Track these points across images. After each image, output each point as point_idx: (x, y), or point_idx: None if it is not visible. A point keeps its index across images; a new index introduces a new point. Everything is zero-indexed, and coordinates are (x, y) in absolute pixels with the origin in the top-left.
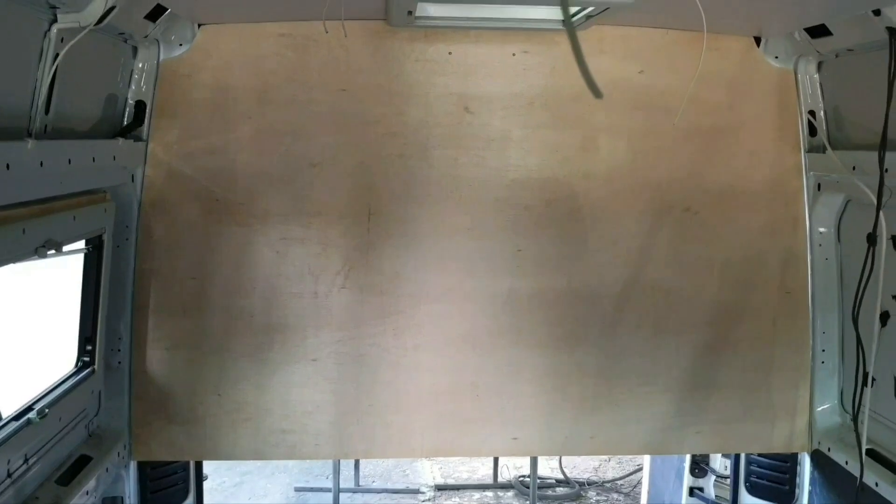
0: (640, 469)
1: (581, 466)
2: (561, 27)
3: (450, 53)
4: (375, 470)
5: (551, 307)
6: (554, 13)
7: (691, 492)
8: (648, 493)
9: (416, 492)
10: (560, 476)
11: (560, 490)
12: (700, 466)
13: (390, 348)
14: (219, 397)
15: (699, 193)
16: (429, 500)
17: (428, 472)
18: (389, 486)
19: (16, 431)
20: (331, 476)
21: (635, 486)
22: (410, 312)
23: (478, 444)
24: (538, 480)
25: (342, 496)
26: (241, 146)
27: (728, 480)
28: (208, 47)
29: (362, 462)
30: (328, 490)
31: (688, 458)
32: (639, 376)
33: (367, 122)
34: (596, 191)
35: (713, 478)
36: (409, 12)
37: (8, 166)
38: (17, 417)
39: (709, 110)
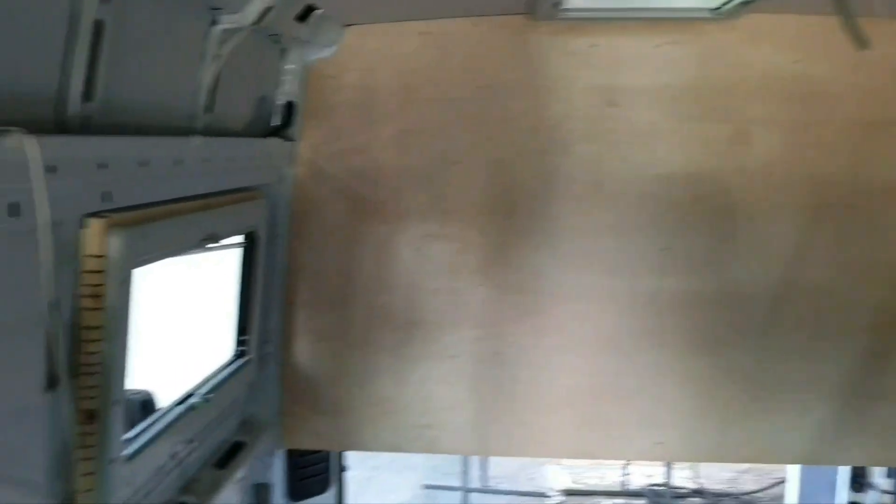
0: (781, 482)
1: (716, 477)
2: (711, 16)
3: (593, 46)
4: (503, 471)
5: (698, 308)
6: (704, 1)
7: None
8: None
9: (544, 495)
10: (694, 486)
11: (694, 501)
12: (859, 480)
13: (529, 347)
14: (361, 390)
15: (863, 190)
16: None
17: (556, 476)
18: (517, 488)
19: (181, 415)
20: (459, 475)
21: (775, 500)
22: (550, 311)
23: (619, 448)
24: (671, 490)
25: (469, 496)
26: (384, 145)
27: (893, 497)
28: (353, 48)
29: (490, 463)
30: (456, 489)
31: (844, 471)
32: (794, 383)
33: (507, 119)
34: (748, 186)
35: (875, 494)
36: (555, 4)
37: (178, 161)
38: (182, 402)
39: (872, 101)
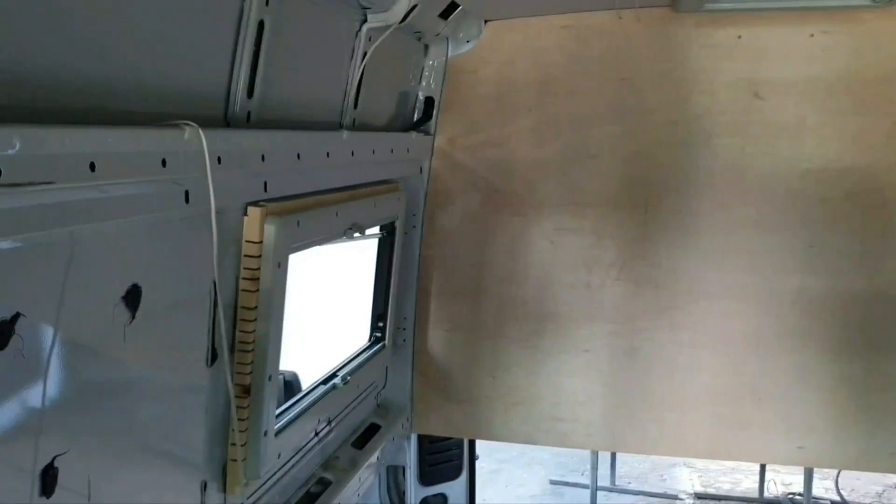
0: None
1: (861, 490)
2: (869, 3)
3: (739, 37)
4: (632, 471)
5: (848, 309)
6: None
7: None
8: None
9: (675, 498)
10: (836, 498)
11: None
12: None
13: (665, 344)
14: (493, 380)
15: None
16: None
17: (686, 479)
18: (646, 489)
19: (324, 395)
20: (586, 472)
21: None
22: (688, 308)
23: (758, 450)
24: (811, 500)
25: (598, 494)
26: (521, 138)
27: None
28: (493, 43)
29: (618, 462)
30: (584, 486)
31: None
32: None
33: (647, 111)
34: None
35: None
36: None
37: (328, 154)
38: (325, 382)
39: None
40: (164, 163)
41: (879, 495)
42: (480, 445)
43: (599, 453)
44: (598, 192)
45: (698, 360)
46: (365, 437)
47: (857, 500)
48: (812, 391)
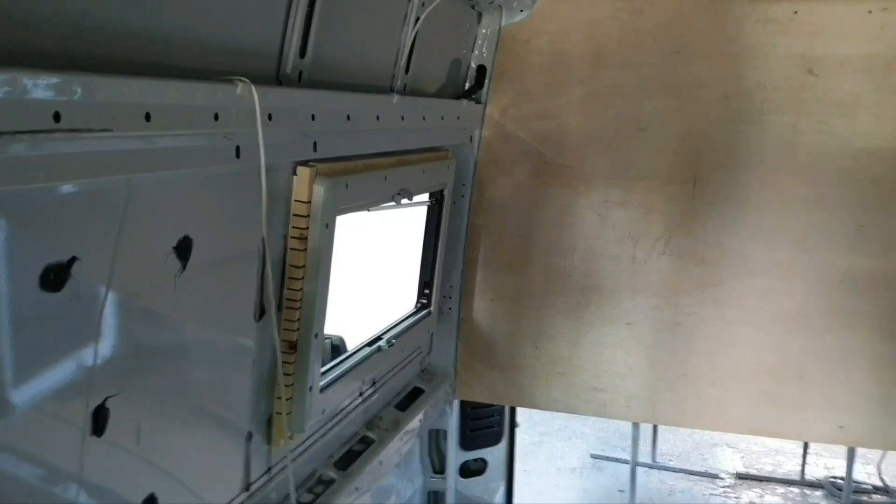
0: None
1: None
2: None
3: (795, 13)
4: (673, 449)
5: (895, 290)
6: None
7: None
8: None
9: (716, 477)
10: (878, 483)
11: (877, 497)
12: None
13: (709, 319)
14: (536, 349)
15: None
16: (728, 486)
17: (728, 459)
18: (687, 467)
19: (368, 356)
20: (627, 448)
21: None
22: (732, 284)
23: (799, 428)
24: (854, 484)
25: (639, 470)
26: (572, 110)
27: None
28: (546, 13)
29: (660, 439)
30: (625, 461)
31: None
32: None
33: (698, 86)
34: None
35: None
36: None
37: (378, 117)
38: (370, 344)
39: None
40: (216, 117)
41: None
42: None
43: (641, 430)
44: (647, 166)
45: (741, 337)
46: (408, 400)
47: None
48: (855, 371)
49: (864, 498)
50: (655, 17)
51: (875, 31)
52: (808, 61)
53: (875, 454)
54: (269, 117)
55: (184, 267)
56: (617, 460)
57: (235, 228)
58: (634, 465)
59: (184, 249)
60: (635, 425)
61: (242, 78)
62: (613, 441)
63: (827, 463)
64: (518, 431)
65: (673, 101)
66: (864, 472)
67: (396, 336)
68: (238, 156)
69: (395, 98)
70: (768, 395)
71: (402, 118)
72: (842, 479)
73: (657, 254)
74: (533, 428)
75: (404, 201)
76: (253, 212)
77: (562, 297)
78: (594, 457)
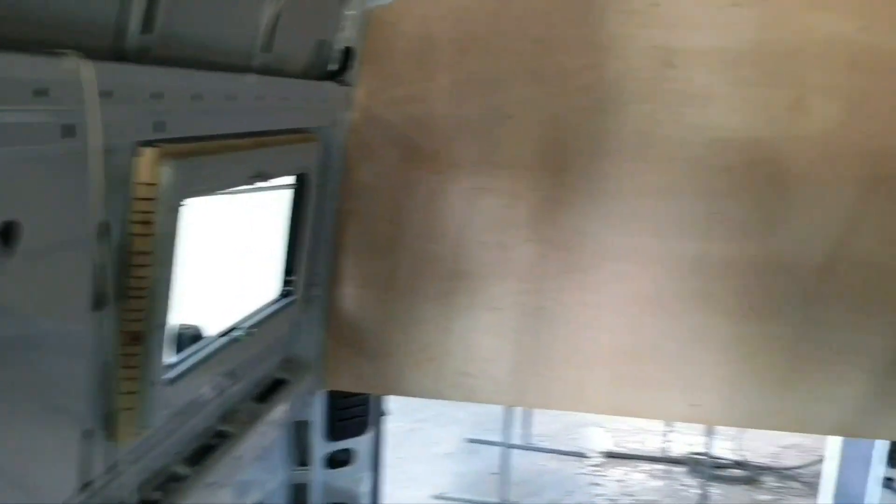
0: (822, 460)
1: (758, 451)
2: None
3: (654, 5)
4: (545, 430)
5: (743, 275)
6: None
7: (886, 483)
8: (835, 482)
9: (584, 456)
10: (736, 458)
11: (735, 472)
12: None
13: (571, 304)
14: (405, 336)
15: None
16: (596, 465)
17: (597, 438)
18: (558, 447)
19: (223, 347)
20: (501, 431)
21: (816, 477)
22: (595, 270)
23: (655, 407)
24: (713, 459)
25: (512, 452)
26: (440, 95)
27: None
28: None
29: (534, 421)
30: (498, 444)
31: (881, 446)
32: (837, 354)
33: (562, 74)
34: (804, 155)
35: None
36: None
37: (234, 97)
38: (226, 333)
39: None
40: (40, 92)
41: (775, 456)
42: (399, 406)
43: (515, 412)
44: (514, 153)
45: (601, 320)
46: (269, 391)
47: (753, 461)
48: (707, 352)
49: (724, 472)
50: (522, 4)
51: (727, 25)
52: (667, 53)
53: (734, 431)
54: (108, 94)
55: (9, 253)
56: (491, 443)
57: (72, 212)
58: (507, 447)
59: (8, 234)
60: (508, 408)
61: (71, 51)
62: (489, 425)
63: (689, 440)
64: (393, 418)
65: (538, 90)
66: (723, 448)
67: (256, 325)
68: (69, 135)
69: (253, 77)
70: (626, 376)
71: (261, 98)
72: (703, 454)
73: (523, 240)
74: (409, 415)
75: (262, 184)
76: (90, 195)
77: (431, 282)
78: (469, 441)
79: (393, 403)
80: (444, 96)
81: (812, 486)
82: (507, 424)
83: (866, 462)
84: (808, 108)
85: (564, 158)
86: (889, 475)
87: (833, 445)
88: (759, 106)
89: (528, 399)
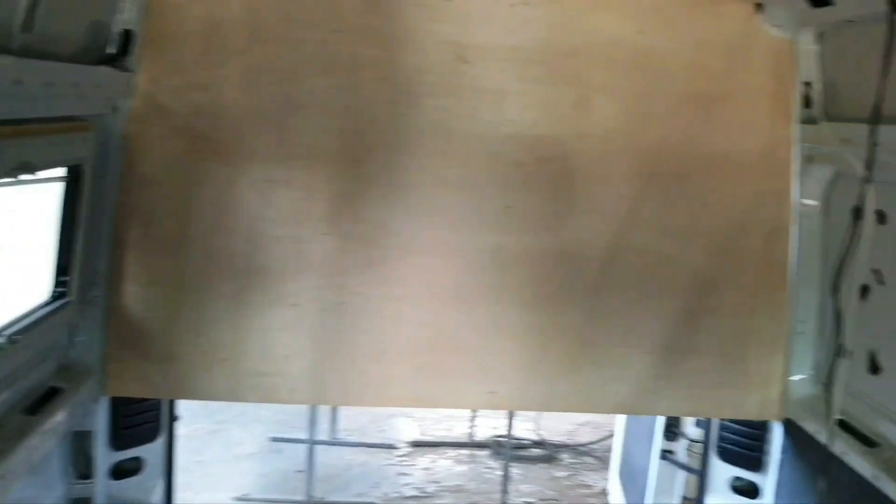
0: (612, 435)
1: (556, 430)
2: None
3: (447, 0)
4: (352, 424)
5: (537, 266)
6: None
7: (663, 455)
8: (621, 456)
9: (392, 447)
10: (536, 438)
11: (535, 451)
12: (672, 430)
13: (372, 298)
14: (196, 337)
15: (690, 160)
16: (404, 455)
17: (404, 428)
18: (366, 440)
19: None
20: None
21: (608, 451)
22: (394, 263)
23: (456, 397)
24: (514, 441)
25: (318, 448)
26: (230, 84)
27: (700, 445)
28: None
29: (341, 415)
30: (302, 441)
31: (661, 421)
32: (620, 338)
33: (358, 66)
34: (589, 151)
35: (685, 442)
36: None
37: None
38: None
39: (706, 76)
40: None
41: (570, 433)
42: (198, 407)
43: (321, 408)
44: (310, 144)
45: (403, 313)
46: (42, 401)
47: (551, 439)
48: (506, 341)
49: (524, 452)
50: None
51: (518, 24)
52: (460, 49)
53: (532, 413)
54: None
55: None
56: (296, 441)
57: None
58: (312, 443)
59: None
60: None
61: None
62: (293, 422)
63: (493, 424)
64: (192, 420)
65: (334, 81)
66: (524, 430)
67: (23, 330)
68: None
69: (9, 60)
70: (428, 367)
71: (20, 83)
72: (505, 437)
73: (321, 234)
74: (210, 416)
75: (26, 177)
76: None
77: (224, 280)
78: (273, 440)
79: (193, 405)
80: (234, 85)
81: (604, 461)
82: (312, 421)
83: (649, 436)
84: (592, 106)
85: (363, 151)
86: (666, 447)
87: (620, 422)
88: (548, 103)
89: (329, 397)
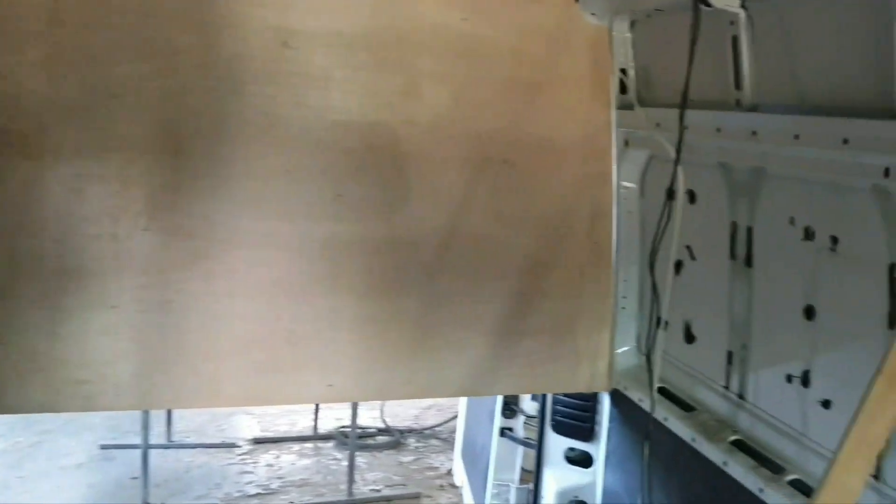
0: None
1: (402, 415)
2: None
3: None
4: (189, 425)
5: (371, 254)
6: None
7: (502, 432)
8: (463, 436)
9: (233, 446)
10: (381, 425)
11: (381, 439)
12: (510, 408)
13: (200, 295)
14: (3, 347)
15: (517, 146)
16: (246, 453)
17: (245, 425)
18: (205, 441)
19: None
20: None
21: (454, 433)
22: (222, 257)
23: (293, 392)
24: (359, 430)
25: (153, 453)
26: (30, 71)
27: (536, 421)
28: None
29: (176, 417)
30: (137, 447)
31: (500, 400)
32: (456, 322)
33: (174, 52)
34: (419, 138)
35: (522, 418)
36: None
37: None
38: None
39: (528, 64)
40: None
41: (416, 418)
42: (17, 419)
43: (154, 411)
44: (124, 135)
45: (233, 309)
46: None
47: (397, 425)
48: (342, 332)
49: (370, 441)
50: None
51: (340, 9)
52: (283, 34)
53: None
54: None
55: None
56: (129, 447)
57: None
58: (146, 448)
59: None
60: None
61: None
62: (126, 427)
63: (337, 415)
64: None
65: (148, 68)
66: (370, 418)
67: None
68: None
69: None
70: (262, 363)
71: None
72: (349, 427)
73: (140, 230)
74: (30, 427)
75: None
76: None
77: (32, 283)
78: (104, 447)
79: (10, 417)
80: (34, 72)
81: (450, 442)
82: (145, 425)
83: (490, 416)
84: (420, 93)
85: (184, 141)
86: (505, 425)
87: (462, 404)
88: (376, 90)
89: (158, 400)
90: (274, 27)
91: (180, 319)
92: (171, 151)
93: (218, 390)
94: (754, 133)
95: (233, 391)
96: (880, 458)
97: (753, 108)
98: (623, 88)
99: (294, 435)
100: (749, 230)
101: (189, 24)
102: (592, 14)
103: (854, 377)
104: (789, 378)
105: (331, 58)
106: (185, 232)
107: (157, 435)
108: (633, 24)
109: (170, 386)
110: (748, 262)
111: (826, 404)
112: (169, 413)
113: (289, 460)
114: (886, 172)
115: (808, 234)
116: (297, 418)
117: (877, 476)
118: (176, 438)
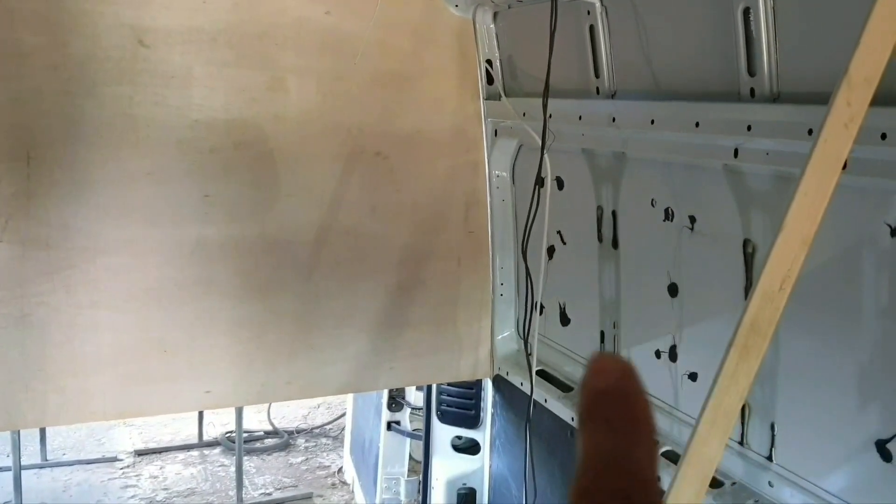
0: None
1: (290, 416)
2: None
3: None
4: (66, 442)
5: (244, 255)
6: None
7: (389, 426)
8: (351, 433)
9: (114, 460)
10: (269, 427)
11: (269, 441)
12: (396, 401)
13: (62, 307)
14: None
15: (389, 138)
16: (128, 466)
17: (126, 438)
18: (83, 457)
19: None
20: (10, 454)
21: (343, 430)
22: (85, 267)
23: (168, 402)
24: (246, 434)
25: (27, 474)
26: None
27: (422, 412)
28: None
29: (50, 434)
30: (7, 469)
31: (385, 393)
32: (336, 319)
33: (21, 54)
34: (287, 134)
35: (408, 410)
36: None
37: None
38: None
39: (395, 57)
40: None
41: (305, 417)
42: None
43: (25, 431)
44: None
45: (99, 320)
46: None
47: (286, 426)
48: (218, 337)
49: (258, 444)
50: None
51: (198, 5)
52: (138, 32)
53: (241, 406)
54: None
55: None
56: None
57: None
58: (18, 470)
59: None
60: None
61: None
62: None
63: (223, 420)
64: None
65: None
66: (257, 421)
67: None
68: None
69: None
70: (134, 375)
71: None
72: (234, 432)
73: None
74: None
75: None
76: None
77: None
78: None
79: None
80: None
81: (339, 440)
82: (15, 445)
83: (377, 410)
84: (286, 88)
85: (35, 147)
86: (392, 419)
87: (350, 401)
88: (239, 87)
89: (21, 420)
90: (128, 25)
91: (41, 334)
92: (23, 157)
93: (86, 406)
94: (614, 119)
95: (102, 406)
96: (745, 425)
97: (612, 96)
98: (490, 79)
99: (178, 444)
100: (614, 213)
101: (38, 25)
102: (456, 6)
103: (717, 350)
104: (658, 354)
105: (190, 54)
106: (42, 242)
107: (30, 454)
108: (496, 16)
109: (34, 404)
110: (614, 244)
111: (693, 377)
112: (42, 431)
113: (174, 470)
114: (735, 153)
115: (668, 215)
116: (180, 426)
117: (741, 442)
118: (52, 457)
